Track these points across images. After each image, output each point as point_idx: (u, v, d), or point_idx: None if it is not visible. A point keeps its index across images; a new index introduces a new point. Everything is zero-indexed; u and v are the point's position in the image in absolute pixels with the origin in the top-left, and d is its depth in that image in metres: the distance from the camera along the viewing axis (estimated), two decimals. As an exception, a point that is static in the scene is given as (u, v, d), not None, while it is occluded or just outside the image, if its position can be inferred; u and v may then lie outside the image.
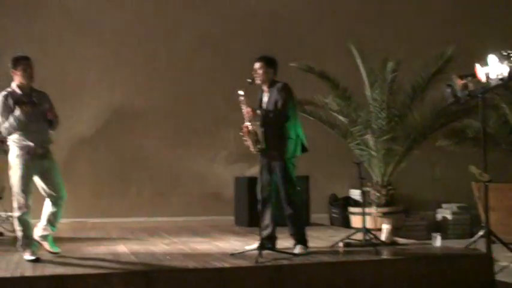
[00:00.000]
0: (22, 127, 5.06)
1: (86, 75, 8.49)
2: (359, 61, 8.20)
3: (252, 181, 7.49)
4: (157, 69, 8.77)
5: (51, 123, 5.25)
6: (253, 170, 7.97)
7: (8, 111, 5.05)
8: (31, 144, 5.10)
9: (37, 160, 5.15)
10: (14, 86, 5.18)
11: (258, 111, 5.46)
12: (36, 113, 5.13)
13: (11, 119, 5.03)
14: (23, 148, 5.10)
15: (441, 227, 8.78)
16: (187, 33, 8.92)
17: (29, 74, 5.15)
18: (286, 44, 8.74)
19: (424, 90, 8.06)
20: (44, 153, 5.20)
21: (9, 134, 5.12)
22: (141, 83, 8.70)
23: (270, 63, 5.54)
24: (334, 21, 9.39)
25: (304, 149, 5.59)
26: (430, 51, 8.17)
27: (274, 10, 9.21)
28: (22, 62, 5.13)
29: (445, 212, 9.07)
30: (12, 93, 5.12)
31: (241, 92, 5.42)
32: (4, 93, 5.13)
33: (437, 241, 6.01)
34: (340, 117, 8.27)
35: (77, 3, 8.59)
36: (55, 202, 5.31)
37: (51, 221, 5.33)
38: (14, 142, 5.14)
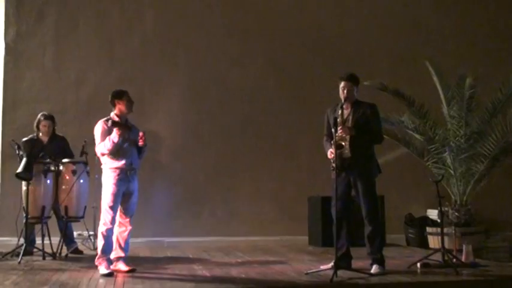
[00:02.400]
0: (116, 149, 5.46)
1: (161, 97, 8.79)
2: (435, 78, 8.08)
3: (325, 200, 7.52)
4: (229, 91, 8.96)
5: (141, 150, 5.69)
6: (326, 189, 8.07)
7: (105, 134, 5.50)
8: (122, 166, 5.48)
9: (125, 181, 5.52)
10: (112, 114, 5.64)
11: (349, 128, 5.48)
12: (129, 139, 5.57)
13: (107, 141, 5.43)
14: (115, 169, 5.49)
15: (525, 249, 8.43)
16: (257, 56, 9.09)
17: (131, 104, 5.66)
18: (358, 63, 8.73)
19: (505, 106, 7.83)
20: (132, 175, 5.59)
21: (103, 154, 5.53)
22: (213, 105, 8.92)
23: (356, 82, 5.63)
24: (407, 38, 9.32)
25: (379, 170, 5.66)
26: (509, 65, 7.94)
27: (345, 30, 9.26)
28: (126, 94, 5.66)
29: (528, 234, 8.70)
30: (111, 119, 5.57)
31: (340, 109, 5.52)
32: (104, 119, 5.59)
33: (522, 262, 5.79)
34: (416, 135, 8.15)
35: (157, 26, 8.94)
36: (124, 223, 5.63)
37: (121, 244, 5.62)
38: (106, 163, 5.57)
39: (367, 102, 5.65)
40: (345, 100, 5.58)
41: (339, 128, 5.41)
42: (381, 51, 9.24)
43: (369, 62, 8.96)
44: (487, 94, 7.97)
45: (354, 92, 5.59)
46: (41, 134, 7.05)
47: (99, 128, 5.58)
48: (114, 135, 5.43)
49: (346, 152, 5.45)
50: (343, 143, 5.44)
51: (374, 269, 5.39)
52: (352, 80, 5.60)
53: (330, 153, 5.47)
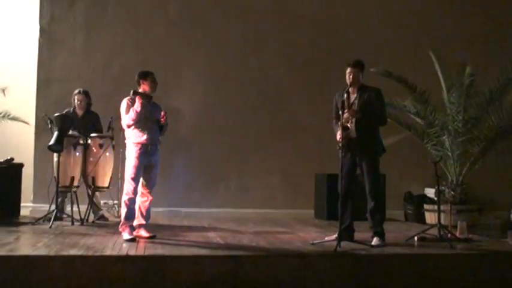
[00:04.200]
0: (138, 124, 5.49)
1: (183, 78, 8.79)
2: (437, 66, 7.99)
3: (330, 177, 7.50)
4: (245, 75, 8.94)
5: (162, 127, 5.70)
6: (332, 167, 8.05)
7: (129, 108, 5.52)
8: (144, 141, 5.50)
9: (146, 155, 5.53)
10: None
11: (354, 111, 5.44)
12: (152, 115, 5.59)
13: (131, 112, 5.47)
14: (137, 144, 5.51)
15: (516, 226, 8.37)
16: (272, 43, 9.05)
17: (155, 84, 5.65)
18: (366, 51, 8.63)
19: (502, 94, 7.74)
20: (153, 150, 5.59)
21: (129, 126, 5.54)
22: (230, 88, 8.91)
23: (362, 68, 5.58)
24: (411, 28, 9.21)
25: (383, 150, 5.62)
26: (507, 55, 7.83)
27: (355, 21, 9.18)
28: (151, 75, 5.65)
29: (520, 212, 8.63)
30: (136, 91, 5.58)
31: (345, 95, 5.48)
32: (129, 97, 5.59)
33: (513, 239, 5.75)
34: (418, 119, 8.09)
35: (180, 13, 8.92)
36: (146, 194, 5.65)
37: (143, 213, 5.65)
38: (130, 138, 5.59)
39: (372, 87, 5.59)
40: (350, 85, 5.54)
41: (345, 111, 5.38)
42: (386, 40, 9.13)
43: (375, 50, 8.86)
44: (486, 82, 7.87)
45: (359, 77, 5.54)
46: (77, 108, 7.09)
47: (124, 104, 5.60)
48: (137, 105, 5.45)
49: (352, 133, 5.42)
50: (349, 125, 5.41)
51: (374, 241, 5.40)
52: (358, 66, 5.55)
53: (338, 134, 5.44)
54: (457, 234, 5.95)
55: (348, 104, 5.50)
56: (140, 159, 5.50)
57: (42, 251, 4.67)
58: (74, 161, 6.69)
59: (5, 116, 7.96)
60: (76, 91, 7.12)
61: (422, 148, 8.09)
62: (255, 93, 8.95)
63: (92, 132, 6.86)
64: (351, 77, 5.51)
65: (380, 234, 5.47)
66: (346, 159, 5.44)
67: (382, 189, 5.58)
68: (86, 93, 7.11)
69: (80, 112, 7.09)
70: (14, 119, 8.01)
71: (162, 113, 5.67)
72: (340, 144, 5.37)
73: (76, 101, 7.06)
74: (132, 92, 5.54)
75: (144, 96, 5.55)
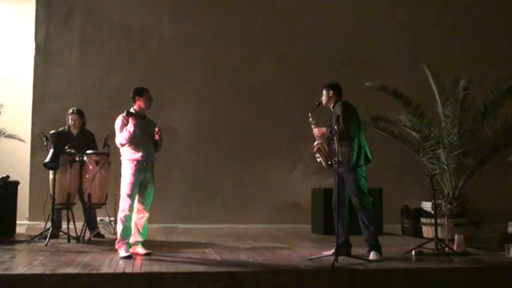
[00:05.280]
0: (133, 141, 5.50)
1: (178, 94, 8.81)
2: (431, 80, 8.03)
3: (327, 192, 7.51)
4: (240, 90, 8.97)
5: (157, 144, 5.69)
6: (330, 182, 8.05)
7: (124, 127, 5.54)
8: (139, 158, 5.51)
9: (142, 171, 5.54)
10: (131, 110, 5.64)
11: (324, 129, 5.66)
12: (146, 132, 5.59)
13: (124, 131, 5.48)
14: (132, 160, 5.52)
15: (513, 239, 8.37)
16: (270, 58, 9.10)
17: (150, 101, 5.68)
18: (361, 65, 8.71)
19: (496, 107, 7.77)
20: (148, 166, 5.59)
21: (122, 145, 5.55)
22: (226, 103, 8.94)
23: (331, 87, 5.79)
24: (406, 42, 9.28)
25: (367, 160, 5.59)
26: (502, 69, 7.88)
27: (348, 35, 9.23)
28: (146, 91, 5.68)
29: (517, 225, 8.63)
30: (127, 110, 5.58)
31: (310, 114, 5.82)
32: (124, 113, 5.58)
33: (511, 251, 5.74)
34: (413, 133, 8.10)
35: (175, 30, 8.97)
36: (142, 211, 5.63)
37: (139, 230, 5.63)
38: (125, 155, 5.60)
39: (340, 101, 5.71)
40: (326, 104, 5.79)
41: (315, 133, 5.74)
42: (381, 54, 9.20)
43: (370, 64, 8.93)
44: (480, 95, 7.90)
45: (330, 96, 5.74)
46: (71, 127, 7.09)
47: (118, 121, 5.61)
48: (130, 125, 5.46)
49: (324, 151, 5.71)
50: (319, 146, 5.72)
51: (372, 255, 5.39)
52: (327, 86, 5.81)
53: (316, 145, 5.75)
54: (455, 247, 5.94)
55: (330, 121, 5.69)
56: (136, 176, 5.50)
57: (38, 269, 4.64)
58: (70, 178, 6.67)
59: (1, 133, 7.94)
60: (70, 111, 7.13)
61: (418, 162, 8.09)
62: (250, 108, 8.97)
63: (86, 150, 6.86)
64: (322, 98, 5.81)
65: (376, 247, 5.46)
66: (336, 174, 5.47)
67: (369, 200, 5.56)
68: (79, 113, 7.12)
69: (74, 131, 7.09)
70: (10, 136, 7.99)
71: (156, 129, 5.65)
72: (328, 162, 5.60)
73: (70, 120, 7.07)
74: (125, 112, 5.53)
75: (138, 116, 5.54)
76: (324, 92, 5.80)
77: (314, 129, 5.75)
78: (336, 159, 5.34)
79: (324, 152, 5.72)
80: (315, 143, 5.75)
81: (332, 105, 5.76)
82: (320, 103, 5.84)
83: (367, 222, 5.49)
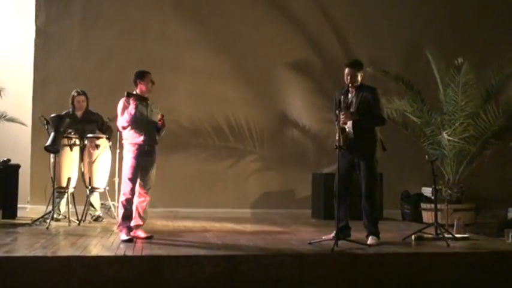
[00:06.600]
0: (135, 124, 5.48)
1: (180, 78, 8.76)
2: (433, 65, 8.00)
3: (327, 177, 7.53)
4: (245, 75, 8.91)
5: (159, 129, 5.66)
6: (329, 167, 8.09)
7: (125, 109, 5.51)
8: (141, 142, 5.50)
9: (143, 155, 5.53)
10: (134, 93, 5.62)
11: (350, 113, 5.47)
12: (149, 117, 5.58)
13: (125, 114, 5.47)
14: (134, 144, 5.51)
15: (513, 225, 8.38)
16: (271, 43, 9.01)
17: (152, 84, 5.65)
18: (363, 50, 8.66)
19: (498, 92, 7.75)
20: (150, 151, 5.58)
21: (124, 128, 5.54)
22: (228, 86, 8.89)
23: (357, 66, 5.57)
24: (407, 27, 9.20)
25: (383, 149, 5.63)
26: (503, 53, 7.85)
27: (351, 20, 9.17)
28: (148, 75, 5.65)
29: (517, 211, 8.65)
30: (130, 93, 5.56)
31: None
32: (124, 97, 5.56)
33: (510, 237, 5.76)
34: (414, 119, 8.10)
35: (176, 12, 8.90)
36: (143, 194, 5.64)
37: (140, 213, 5.64)
38: (127, 138, 5.59)
39: (370, 86, 5.59)
40: (348, 85, 5.54)
41: (342, 113, 5.41)
42: (384, 40, 9.13)
43: (372, 50, 8.88)
44: (482, 81, 7.88)
45: (356, 77, 5.53)
46: (76, 109, 7.06)
47: (120, 104, 5.60)
48: (131, 107, 5.44)
49: (350, 134, 5.46)
50: (346, 127, 5.45)
51: (370, 240, 5.42)
52: (355, 66, 5.56)
53: (337, 135, 5.43)
54: (454, 232, 5.96)
55: (346, 103, 5.52)
56: (137, 160, 5.51)
57: (39, 252, 4.66)
58: (70, 161, 6.68)
59: (2, 117, 7.94)
60: (75, 92, 7.08)
61: (419, 147, 8.10)
62: (252, 93, 8.93)
63: (94, 132, 6.85)
64: (348, 77, 5.52)
65: (375, 233, 5.49)
66: (343, 158, 5.45)
67: (377, 189, 5.58)
68: (85, 94, 7.10)
69: (79, 113, 7.07)
70: (11, 120, 7.99)
71: (159, 116, 5.64)
72: (336, 144, 5.36)
73: (76, 102, 7.04)
74: (126, 93, 5.52)
75: (139, 98, 5.54)
76: (351, 72, 5.47)
77: (342, 116, 5.41)
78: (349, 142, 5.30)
79: (345, 133, 5.43)
80: (341, 123, 5.40)
81: (356, 87, 5.53)
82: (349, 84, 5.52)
83: (371, 210, 5.51)
